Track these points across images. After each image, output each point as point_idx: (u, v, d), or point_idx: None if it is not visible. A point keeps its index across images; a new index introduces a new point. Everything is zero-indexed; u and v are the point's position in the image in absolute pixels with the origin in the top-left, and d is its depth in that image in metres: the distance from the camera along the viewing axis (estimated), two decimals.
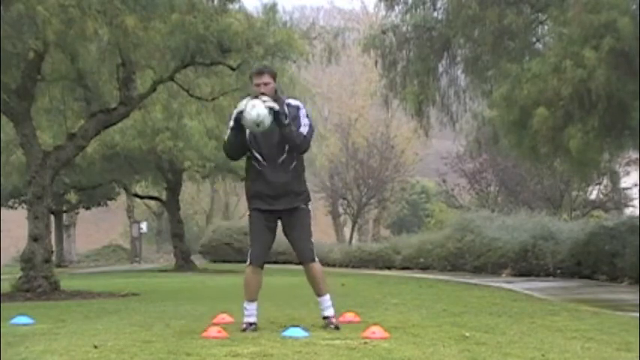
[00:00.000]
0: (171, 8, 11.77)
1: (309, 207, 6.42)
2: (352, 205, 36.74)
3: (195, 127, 20.57)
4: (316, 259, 6.34)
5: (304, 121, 6.29)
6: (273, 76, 6.28)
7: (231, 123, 6.25)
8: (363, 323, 6.41)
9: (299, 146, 6.22)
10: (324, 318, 6.27)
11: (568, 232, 18.45)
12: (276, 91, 6.29)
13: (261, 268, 6.38)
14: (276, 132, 6.14)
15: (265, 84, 6.17)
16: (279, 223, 6.40)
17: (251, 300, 6.30)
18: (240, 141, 6.23)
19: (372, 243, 33.70)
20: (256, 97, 6.10)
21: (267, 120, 6.02)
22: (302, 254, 6.31)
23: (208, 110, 17.74)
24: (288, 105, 6.28)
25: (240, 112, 6.08)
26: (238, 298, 9.16)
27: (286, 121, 6.11)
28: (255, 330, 6.09)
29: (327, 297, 6.32)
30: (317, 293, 6.36)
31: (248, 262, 6.32)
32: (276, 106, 6.06)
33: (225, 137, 6.39)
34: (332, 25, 28.85)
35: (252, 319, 6.23)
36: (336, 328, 6.10)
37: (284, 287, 12.65)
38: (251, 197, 6.35)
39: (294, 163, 6.27)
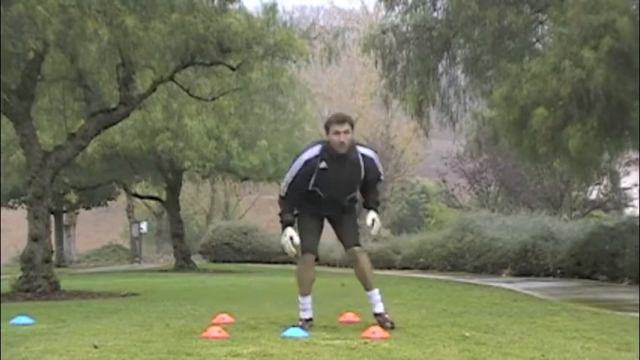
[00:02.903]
0: (172, 8, 11.76)
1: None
2: None
3: (195, 127, 20.57)
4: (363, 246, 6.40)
5: (380, 171, 6.38)
6: (352, 125, 6.17)
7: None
8: (363, 323, 6.40)
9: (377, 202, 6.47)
10: (376, 315, 6.21)
11: (568, 232, 18.44)
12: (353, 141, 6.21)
13: (316, 259, 6.31)
14: (342, 177, 6.14)
15: (346, 132, 6.07)
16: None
17: (305, 294, 6.24)
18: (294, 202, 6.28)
19: (372, 243, 33.66)
20: None
21: None
22: (349, 240, 6.33)
23: (208, 110, 17.73)
24: (363, 156, 6.22)
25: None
26: (238, 298, 9.17)
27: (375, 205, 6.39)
28: (311, 326, 6.05)
29: (377, 290, 6.26)
30: (366, 287, 6.32)
31: (302, 253, 6.24)
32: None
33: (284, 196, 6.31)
34: (332, 25, 28.86)
35: (307, 315, 6.18)
36: (392, 327, 6.05)
37: (284, 287, 12.64)
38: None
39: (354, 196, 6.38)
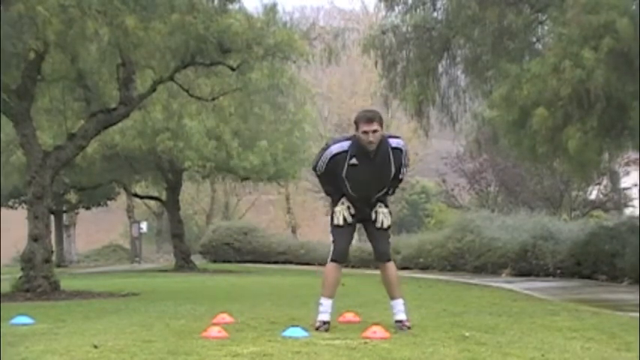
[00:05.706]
0: (172, 8, 11.76)
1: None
2: None
3: (195, 127, 20.57)
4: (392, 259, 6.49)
5: (403, 162, 6.33)
6: (382, 122, 6.17)
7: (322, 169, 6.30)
8: (363, 323, 6.41)
9: (396, 188, 6.45)
10: (397, 322, 6.27)
11: (568, 232, 18.44)
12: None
13: (343, 263, 6.41)
14: (372, 172, 6.14)
15: (374, 131, 6.07)
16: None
17: (328, 297, 6.25)
18: (332, 182, 6.31)
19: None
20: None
21: None
22: (379, 253, 6.42)
23: (208, 110, 17.76)
24: (394, 149, 6.23)
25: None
26: (238, 298, 9.17)
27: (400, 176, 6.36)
28: (327, 330, 6.05)
29: (401, 300, 6.37)
30: (390, 296, 6.42)
31: (331, 258, 6.30)
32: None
33: (318, 172, 6.39)
34: (332, 25, 28.86)
35: (326, 317, 6.17)
36: (408, 328, 6.16)
37: (284, 287, 12.65)
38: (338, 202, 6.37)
39: (384, 192, 6.38)
